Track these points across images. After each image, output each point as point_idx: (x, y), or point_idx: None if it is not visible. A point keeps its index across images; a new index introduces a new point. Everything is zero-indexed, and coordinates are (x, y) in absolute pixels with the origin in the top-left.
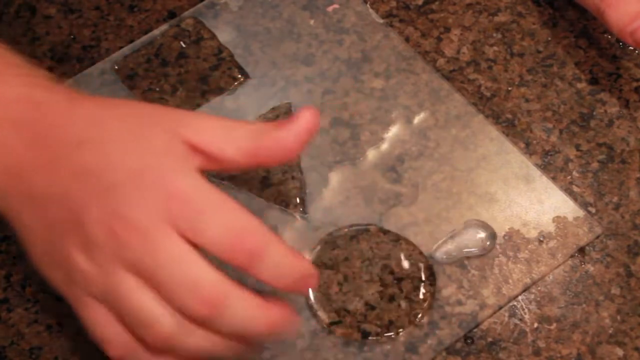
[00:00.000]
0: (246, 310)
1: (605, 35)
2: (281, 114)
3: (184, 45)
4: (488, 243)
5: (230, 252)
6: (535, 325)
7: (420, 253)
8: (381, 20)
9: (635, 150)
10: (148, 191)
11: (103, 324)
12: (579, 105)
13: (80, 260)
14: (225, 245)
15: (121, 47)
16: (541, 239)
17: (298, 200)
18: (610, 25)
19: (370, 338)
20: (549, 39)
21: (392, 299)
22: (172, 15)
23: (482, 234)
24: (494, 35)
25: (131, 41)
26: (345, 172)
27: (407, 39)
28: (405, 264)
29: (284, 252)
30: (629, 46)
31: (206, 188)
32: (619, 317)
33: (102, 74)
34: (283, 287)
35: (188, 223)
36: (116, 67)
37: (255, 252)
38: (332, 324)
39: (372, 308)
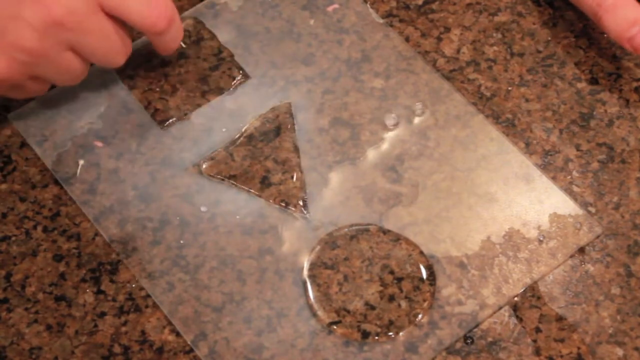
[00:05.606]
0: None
1: (605, 35)
2: (281, 113)
3: (184, 45)
4: None
5: (154, 19)
6: (535, 325)
7: (421, 253)
8: (381, 20)
9: (635, 150)
10: None
11: None
12: (579, 105)
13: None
14: (148, 16)
15: None
16: (541, 238)
17: (298, 200)
18: (607, 31)
19: (370, 338)
20: (549, 39)
21: (392, 298)
22: None
23: None
24: (494, 35)
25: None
26: (345, 172)
27: (407, 39)
28: (405, 263)
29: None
30: None
31: None
32: (619, 317)
33: (102, 74)
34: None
35: (113, 2)
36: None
37: (172, 18)
38: (332, 324)
39: (372, 308)
